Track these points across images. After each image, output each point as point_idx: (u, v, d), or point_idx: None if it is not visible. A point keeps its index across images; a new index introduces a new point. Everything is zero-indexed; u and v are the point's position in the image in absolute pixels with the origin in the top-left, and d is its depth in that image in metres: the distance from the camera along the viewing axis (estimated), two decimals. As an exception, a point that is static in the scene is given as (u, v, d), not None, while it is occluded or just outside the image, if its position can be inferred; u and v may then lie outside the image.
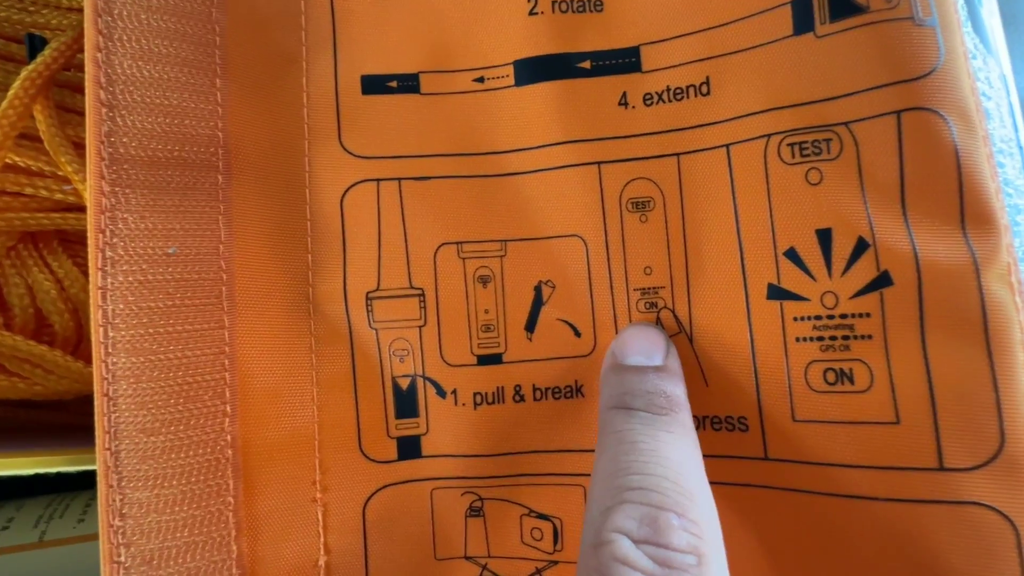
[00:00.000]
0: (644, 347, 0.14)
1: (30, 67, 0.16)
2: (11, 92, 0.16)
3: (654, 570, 0.10)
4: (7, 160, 0.18)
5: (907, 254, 0.13)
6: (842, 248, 0.13)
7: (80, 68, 0.18)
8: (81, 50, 0.16)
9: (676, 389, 0.14)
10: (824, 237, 0.14)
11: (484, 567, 0.16)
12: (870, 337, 0.13)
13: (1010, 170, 0.15)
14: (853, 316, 0.13)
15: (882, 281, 0.13)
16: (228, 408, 0.14)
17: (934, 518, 0.12)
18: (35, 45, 0.17)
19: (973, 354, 0.12)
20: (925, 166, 0.13)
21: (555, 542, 0.16)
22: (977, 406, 0.12)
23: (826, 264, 0.14)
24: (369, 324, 0.16)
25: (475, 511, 0.16)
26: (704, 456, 0.15)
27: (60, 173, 0.18)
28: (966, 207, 0.13)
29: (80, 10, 0.18)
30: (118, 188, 0.13)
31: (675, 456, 0.12)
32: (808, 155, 0.14)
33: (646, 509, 0.11)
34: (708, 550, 0.11)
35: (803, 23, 0.14)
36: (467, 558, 0.16)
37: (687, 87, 0.15)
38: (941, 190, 0.13)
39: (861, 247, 0.13)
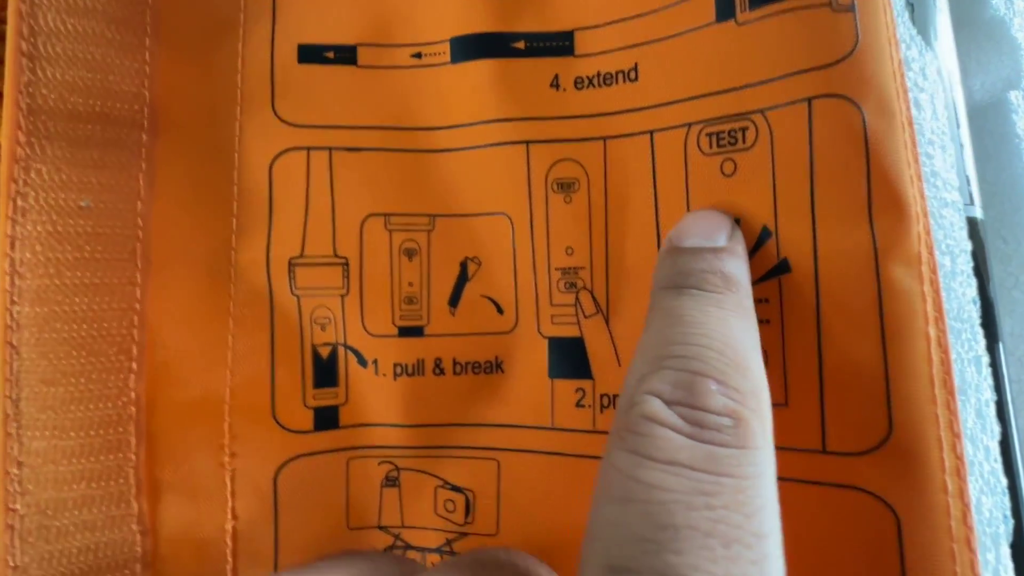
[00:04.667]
0: (703, 229, 0.13)
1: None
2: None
3: (683, 427, 0.09)
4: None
5: (806, 242, 0.13)
6: (748, 237, 0.13)
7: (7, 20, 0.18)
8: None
9: (737, 270, 0.12)
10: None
11: (397, 536, 0.16)
12: (768, 322, 0.13)
13: (939, 162, 0.15)
14: (755, 302, 0.13)
15: (781, 268, 0.13)
16: (134, 365, 0.14)
17: (817, 499, 0.12)
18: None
19: (865, 342, 0.12)
20: (833, 153, 0.13)
21: (467, 514, 0.16)
22: (864, 393, 0.12)
23: (737, 249, 0.14)
24: (291, 291, 0.16)
25: (391, 481, 0.16)
26: None
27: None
28: (874, 193, 0.13)
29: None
30: (34, 139, 0.13)
31: (723, 329, 0.11)
32: (724, 146, 0.14)
33: (684, 374, 0.10)
34: (749, 416, 0.10)
35: (725, 10, 0.14)
36: (380, 527, 0.16)
37: (616, 72, 0.15)
38: (848, 177, 0.13)
39: (764, 236, 0.13)
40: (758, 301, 0.13)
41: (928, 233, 0.13)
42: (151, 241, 0.15)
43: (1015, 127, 0.18)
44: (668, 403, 0.10)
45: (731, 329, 0.11)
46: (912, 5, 0.17)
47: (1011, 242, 0.17)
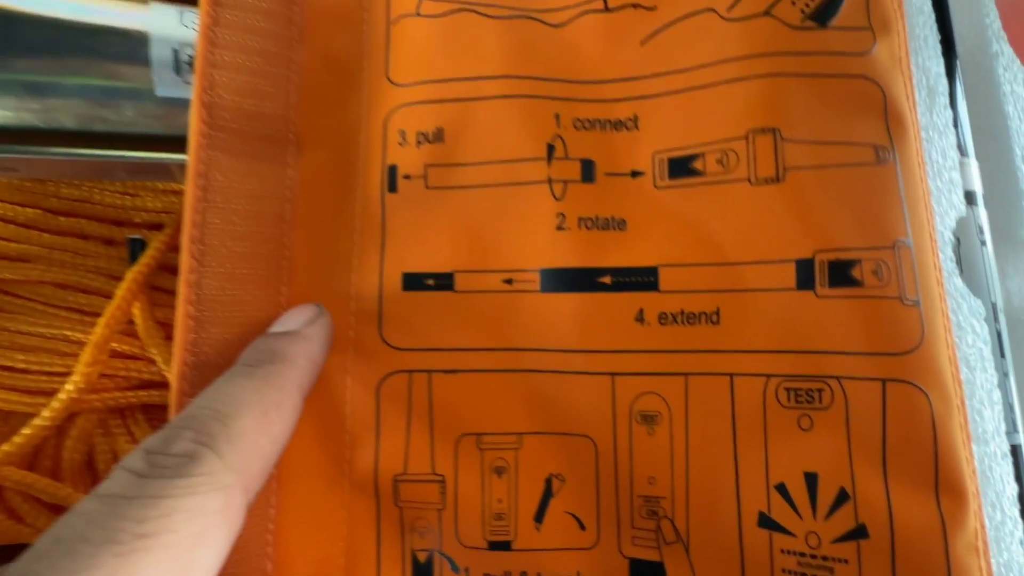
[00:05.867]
0: (287, 319, 0.16)
1: (133, 269, 0.18)
2: (117, 296, 0.18)
3: (140, 468, 0.10)
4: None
5: (883, 512, 0.14)
6: (826, 494, 0.15)
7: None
8: (173, 248, 0.18)
9: (289, 347, 0.14)
10: (811, 480, 0.15)
11: None
12: None
13: (988, 418, 0.16)
14: (833, 560, 0.15)
15: (859, 533, 0.14)
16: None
17: None
18: (136, 248, 0.19)
19: None
20: (905, 434, 0.14)
21: None
22: None
23: (812, 505, 0.15)
24: (395, 502, 0.17)
25: None
26: None
27: (148, 356, 0.20)
28: (940, 475, 0.14)
29: (174, 192, 0.21)
30: (197, 388, 0.15)
31: (232, 390, 0.12)
32: (802, 402, 0.15)
33: (171, 430, 0.11)
34: (205, 453, 0.11)
35: (805, 281, 0.16)
36: None
37: (699, 313, 0.17)
38: (918, 457, 0.14)
39: (843, 497, 0.15)
40: (838, 560, 0.15)
41: (980, 509, 0.14)
42: (279, 463, 0.16)
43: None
44: (147, 452, 0.11)
45: (234, 388, 0.13)
46: (959, 256, 0.19)
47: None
